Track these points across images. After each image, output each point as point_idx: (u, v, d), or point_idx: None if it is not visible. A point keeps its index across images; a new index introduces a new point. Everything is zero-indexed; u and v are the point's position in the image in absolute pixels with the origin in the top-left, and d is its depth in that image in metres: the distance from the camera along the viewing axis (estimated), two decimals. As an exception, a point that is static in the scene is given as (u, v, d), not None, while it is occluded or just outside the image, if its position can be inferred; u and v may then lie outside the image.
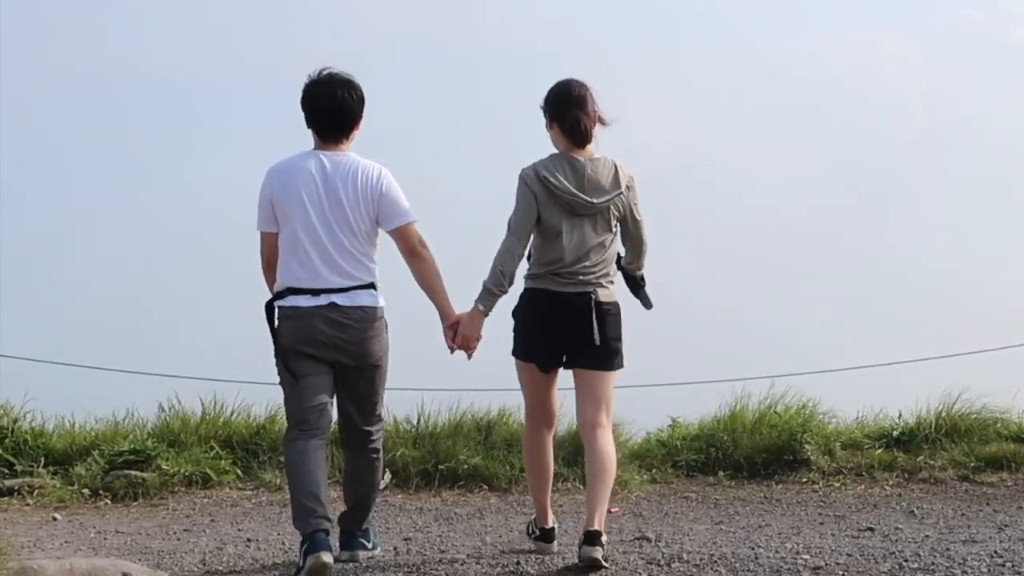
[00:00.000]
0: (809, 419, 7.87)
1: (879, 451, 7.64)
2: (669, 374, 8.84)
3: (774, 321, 11.87)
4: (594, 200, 4.52)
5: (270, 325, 4.58)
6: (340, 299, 4.49)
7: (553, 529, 4.89)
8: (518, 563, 4.66)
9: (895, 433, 7.85)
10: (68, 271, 12.26)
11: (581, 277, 4.51)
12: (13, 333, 8.67)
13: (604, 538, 4.40)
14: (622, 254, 4.83)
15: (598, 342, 4.50)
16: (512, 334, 4.68)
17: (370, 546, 4.91)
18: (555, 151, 4.62)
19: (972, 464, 7.45)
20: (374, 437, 4.74)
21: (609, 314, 4.58)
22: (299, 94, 4.63)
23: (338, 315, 4.48)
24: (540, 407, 4.74)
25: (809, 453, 7.56)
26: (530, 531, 5.02)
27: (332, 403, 4.63)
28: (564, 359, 4.62)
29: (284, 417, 6.30)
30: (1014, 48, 15.11)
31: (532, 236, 4.59)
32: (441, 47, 14.57)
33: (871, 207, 13.60)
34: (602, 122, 4.64)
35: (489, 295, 4.51)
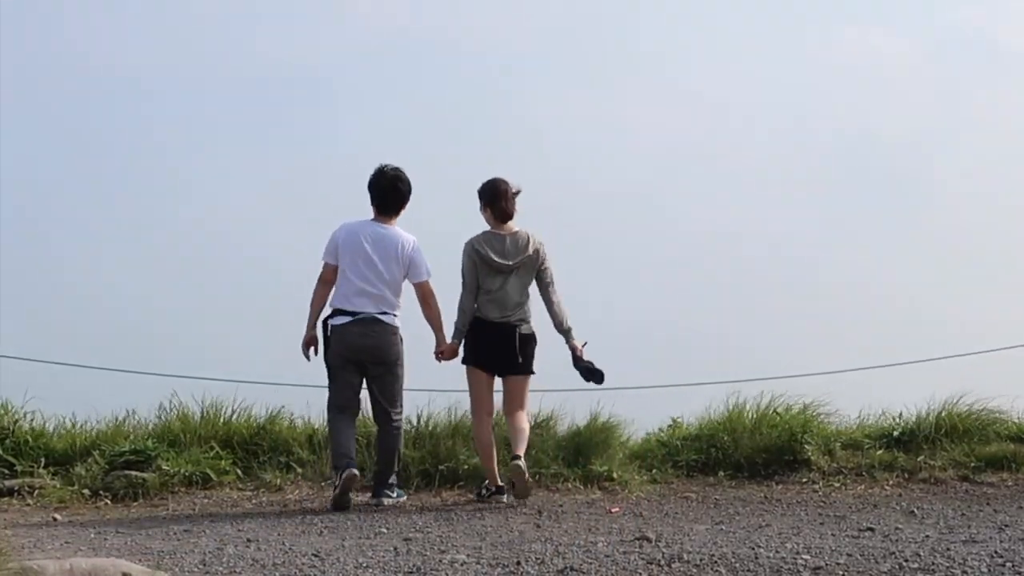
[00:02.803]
0: (809, 419, 7.85)
1: (879, 451, 7.64)
2: (669, 374, 8.85)
3: (774, 322, 11.89)
4: (511, 262, 6.61)
5: (324, 336, 6.51)
6: (366, 319, 6.41)
7: (503, 487, 6.63)
8: (518, 563, 4.66)
9: (895, 433, 7.84)
10: (69, 271, 12.27)
11: (507, 314, 6.59)
12: (13, 333, 8.67)
13: (523, 459, 6.57)
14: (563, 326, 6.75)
15: (520, 360, 6.60)
16: (463, 349, 6.70)
17: (394, 495, 6.60)
18: (486, 227, 6.69)
19: (972, 464, 7.45)
20: (395, 418, 6.61)
21: (527, 341, 6.62)
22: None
23: (364, 328, 6.43)
24: (481, 400, 6.65)
25: (809, 453, 7.55)
26: (483, 492, 6.70)
27: (361, 392, 6.59)
28: (497, 368, 6.63)
29: (284, 418, 6.99)
30: (1014, 48, 15.13)
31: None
32: (441, 47, 14.59)
33: (870, 207, 13.62)
34: (516, 194, 6.69)
35: (458, 332, 6.70)
